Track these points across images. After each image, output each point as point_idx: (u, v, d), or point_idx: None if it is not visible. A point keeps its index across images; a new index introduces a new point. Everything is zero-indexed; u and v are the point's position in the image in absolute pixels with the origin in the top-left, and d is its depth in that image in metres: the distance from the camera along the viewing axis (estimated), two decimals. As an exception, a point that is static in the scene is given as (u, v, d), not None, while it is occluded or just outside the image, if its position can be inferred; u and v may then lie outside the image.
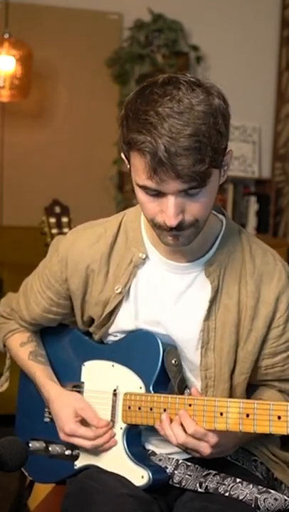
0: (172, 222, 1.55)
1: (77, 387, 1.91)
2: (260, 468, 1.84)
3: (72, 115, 5.01)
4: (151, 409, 1.73)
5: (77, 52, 4.96)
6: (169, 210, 1.55)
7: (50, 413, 1.95)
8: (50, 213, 3.11)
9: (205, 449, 1.62)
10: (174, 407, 1.69)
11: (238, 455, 1.82)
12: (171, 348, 1.77)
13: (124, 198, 5.02)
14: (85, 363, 1.91)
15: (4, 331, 2.03)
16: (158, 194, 1.56)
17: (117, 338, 1.86)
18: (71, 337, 1.98)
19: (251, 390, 1.85)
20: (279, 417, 1.54)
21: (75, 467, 1.88)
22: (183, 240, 1.63)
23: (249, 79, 5.15)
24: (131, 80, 4.93)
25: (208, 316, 1.74)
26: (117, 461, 1.79)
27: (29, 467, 1.93)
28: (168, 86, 1.53)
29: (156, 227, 1.62)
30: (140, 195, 1.60)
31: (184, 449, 1.66)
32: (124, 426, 1.80)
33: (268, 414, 1.56)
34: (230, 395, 1.78)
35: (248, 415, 1.58)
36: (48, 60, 4.86)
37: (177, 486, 1.77)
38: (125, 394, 1.79)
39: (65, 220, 3.12)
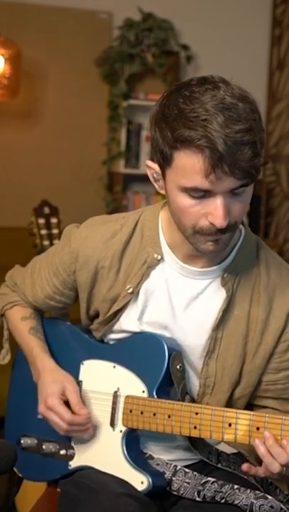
0: (223, 222, 1.53)
1: None
2: None
3: (61, 115, 4.98)
4: (154, 414, 1.70)
5: (66, 52, 4.94)
6: (218, 210, 1.53)
7: None
8: (39, 214, 3.09)
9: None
10: (179, 414, 1.67)
11: (229, 461, 1.81)
12: (177, 353, 1.74)
13: (114, 198, 5.00)
14: (84, 362, 1.88)
15: (5, 300, 2.03)
16: (204, 196, 1.53)
17: (118, 337, 1.84)
18: (71, 334, 1.96)
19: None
20: None
21: (70, 467, 1.86)
22: (221, 245, 1.62)
23: (240, 78, 5.07)
24: (121, 79, 4.91)
25: (217, 326, 1.72)
26: (116, 465, 1.77)
27: (19, 464, 1.88)
28: (206, 85, 1.52)
29: (198, 232, 1.59)
30: (182, 200, 1.56)
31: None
32: (124, 429, 1.77)
33: (280, 428, 1.54)
34: (227, 404, 1.76)
35: (258, 428, 1.56)
36: (37, 59, 4.84)
37: (175, 493, 1.76)
38: (127, 397, 1.77)
39: (54, 220, 3.10)
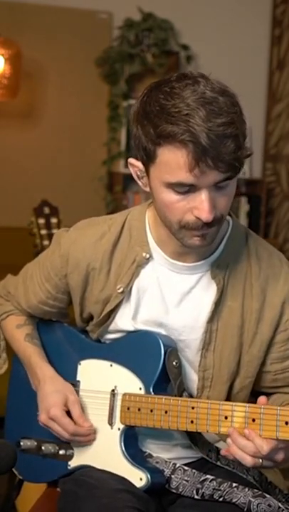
0: (209, 216, 1.54)
1: (73, 385, 1.89)
2: (252, 472, 1.81)
3: (61, 115, 4.98)
4: (151, 410, 1.71)
5: (66, 52, 4.94)
6: (204, 204, 1.54)
7: None
8: (39, 214, 3.10)
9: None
10: (175, 409, 1.68)
11: (228, 460, 1.80)
12: (173, 350, 1.75)
13: (114, 198, 5.00)
14: (82, 362, 1.89)
15: (0, 311, 2.04)
16: (188, 191, 1.54)
17: (114, 337, 1.84)
18: (67, 335, 1.97)
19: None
20: (286, 423, 1.52)
21: (69, 467, 1.87)
22: (208, 239, 1.63)
23: (240, 78, 5.11)
24: (121, 79, 4.91)
25: (211, 318, 1.73)
26: (115, 462, 1.77)
27: (19, 466, 1.92)
28: (186, 80, 1.53)
29: (184, 227, 1.59)
30: (166, 196, 1.57)
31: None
32: (122, 427, 1.78)
33: (275, 419, 1.54)
34: (228, 398, 1.77)
35: (254, 420, 1.56)
36: (37, 59, 4.83)
37: (174, 491, 1.76)
38: (124, 394, 1.78)
39: (54, 220, 3.10)
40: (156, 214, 1.70)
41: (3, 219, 4.79)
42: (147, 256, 1.75)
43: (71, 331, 1.96)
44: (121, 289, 1.77)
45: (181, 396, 1.74)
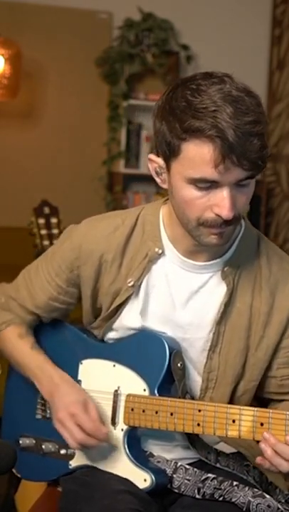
0: (230, 214, 1.54)
1: None
2: (253, 472, 1.81)
3: (61, 115, 4.98)
4: (156, 412, 1.70)
5: (66, 52, 4.94)
6: (225, 201, 1.54)
7: (42, 410, 1.94)
8: (39, 214, 3.10)
9: None
10: (182, 411, 1.67)
11: (228, 460, 1.81)
12: (177, 351, 1.75)
13: (114, 198, 5.00)
14: (83, 361, 1.87)
15: None
16: (210, 188, 1.54)
17: (118, 335, 1.83)
18: (68, 334, 1.95)
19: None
20: None
21: (70, 467, 1.86)
22: (225, 238, 1.63)
23: (240, 78, 5.09)
24: (121, 79, 4.91)
25: (220, 319, 1.72)
26: (118, 463, 1.77)
27: (18, 465, 1.85)
28: (212, 79, 1.54)
29: (202, 225, 1.59)
30: (187, 192, 1.57)
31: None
32: (125, 427, 1.77)
33: (284, 424, 1.54)
34: (231, 400, 1.77)
35: (262, 424, 1.56)
36: (37, 59, 4.84)
37: (176, 491, 1.76)
38: (128, 395, 1.77)
39: (54, 220, 3.10)
40: (171, 211, 1.71)
41: (3, 219, 4.79)
42: (160, 251, 1.75)
43: (73, 329, 1.95)
44: (131, 283, 1.76)
45: (184, 398, 1.74)
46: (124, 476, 1.74)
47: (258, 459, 1.58)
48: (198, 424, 1.65)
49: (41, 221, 3.08)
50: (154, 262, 1.76)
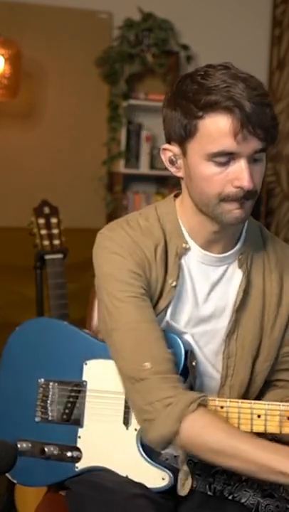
0: (250, 184, 1.62)
1: (79, 385, 1.86)
2: None
3: (61, 115, 4.98)
4: None
5: (66, 52, 4.94)
6: (244, 173, 1.61)
7: (43, 412, 1.90)
8: (39, 214, 3.10)
9: None
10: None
11: None
12: (192, 350, 1.77)
13: (114, 198, 5.00)
14: (88, 362, 1.86)
15: (180, 406, 1.58)
16: (228, 162, 1.62)
17: None
18: (71, 334, 1.93)
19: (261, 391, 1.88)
20: None
21: (76, 469, 1.83)
22: (246, 211, 1.70)
23: (240, 78, 5.12)
24: (121, 79, 4.90)
25: (239, 306, 1.78)
26: (133, 464, 1.75)
27: (14, 471, 1.81)
28: (217, 66, 1.65)
29: (223, 200, 1.65)
30: (206, 169, 1.64)
31: None
32: (138, 427, 1.75)
33: None
34: (249, 384, 1.81)
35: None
36: (37, 59, 4.83)
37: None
38: None
39: (54, 220, 3.11)
40: (185, 202, 1.76)
41: (3, 219, 4.79)
42: (187, 246, 1.78)
43: (75, 330, 1.93)
44: (174, 283, 1.76)
45: None
46: (140, 475, 1.73)
47: None
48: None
49: (41, 221, 3.09)
50: (181, 258, 1.78)
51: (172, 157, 1.71)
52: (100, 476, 1.77)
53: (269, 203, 5.38)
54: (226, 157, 1.61)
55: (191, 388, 1.74)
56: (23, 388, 1.92)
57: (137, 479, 1.74)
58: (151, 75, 5.03)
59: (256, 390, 1.84)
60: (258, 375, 1.82)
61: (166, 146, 1.72)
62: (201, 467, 1.77)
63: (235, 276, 1.80)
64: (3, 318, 4.15)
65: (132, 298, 1.69)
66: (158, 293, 1.76)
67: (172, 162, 1.72)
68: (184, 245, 1.77)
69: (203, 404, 1.58)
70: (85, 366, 1.86)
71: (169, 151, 1.72)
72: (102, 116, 4.98)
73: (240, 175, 1.62)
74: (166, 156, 1.73)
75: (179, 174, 1.73)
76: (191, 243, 1.78)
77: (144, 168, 5.05)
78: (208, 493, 1.73)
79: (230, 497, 1.69)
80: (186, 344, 1.76)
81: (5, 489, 3.14)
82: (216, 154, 1.61)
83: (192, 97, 1.60)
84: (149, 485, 1.72)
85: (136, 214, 1.83)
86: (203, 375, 1.81)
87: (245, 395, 1.81)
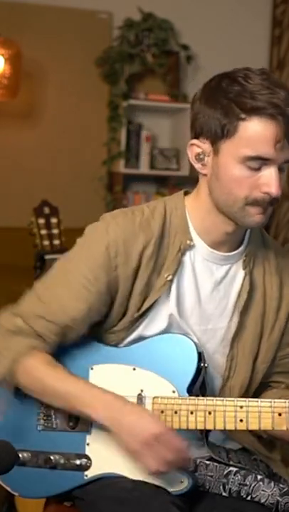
0: (278, 191, 1.64)
1: None
2: (261, 466, 1.85)
3: (61, 115, 4.98)
4: (192, 412, 1.70)
5: (66, 52, 4.93)
6: (274, 180, 1.63)
7: (45, 420, 1.84)
8: (39, 214, 3.10)
9: None
10: (221, 409, 1.70)
11: (238, 457, 1.84)
12: (202, 352, 1.77)
13: (114, 198, 5.00)
14: (94, 367, 1.81)
15: (14, 350, 1.76)
16: (259, 168, 1.64)
17: (138, 335, 1.80)
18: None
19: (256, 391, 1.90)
20: None
21: (86, 477, 1.78)
22: (267, 217, 1.71)
23: (240, 78, 5.12)
24: (121, 79, 4.90)
25: (244, 309, 1.80)
26: None
27: (12, 483, 1.81)
28: (256, 70, 1.66)
29: (250, 204, 1.67)
30: (238, 171, 1.65)
31: None
32: None
33: None
34: (249, 385, 1.84)
35: None
36: (37, 59, 4.83)
37: (201, 489, 1.77)
38: (155, 398, 1.74)
39: (54, 220, 3.11)
40: (201, 201, 1.76)
41: (3, 219, 4.79)
42: (192, 243, 1.78)
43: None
44: (170, 277, 1.76)
45: (204, 395, 1.76)
46: (159, 480, 1.70)
47: None
48: (241, 420, 1.68)
49: (41, 221, 3.09)
50: (185, 254, 1.78)
51: (201, 154, 1.71)
52: (117, 485, 1.72)
53: (269, 203, 5.38)
54: (260, 162, 1.63)
55: (204, 390, 1.76)
56: (25, 397, 1.84)
57: (155, 483, 1.71)
58: (151, 75, 5.03)
59: (253, 391, 1.87)
60: (256, 376, 1.85)
61: (196, 141, 1.71)
62: (213, 468, 1.77)
63: (238, 276, 1.82)
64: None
65: (82, 281, 1.75)
66: (148, 288, 1.76)
67: (199, 159, 1.72)
68: (188, 242, 1.77)
69: (36, 349, 1.75)
70: (91, 371, 1.81)
71: (198, 147, 1.71)
72: (102, 116, 4.98)
73: (270, 181, 1.63)
74: (193, 151, 1.72)
75: (204, 171, 1.72)
76: (198, 240, 1.78)
77: (144, 168, 5.05)
78: (224, 494, 1.73)
79: (248, 497, 1.69)
80: (198, 345, 1.77)
81: (5, 497, 3.13)
82: (251, 158, 1.63)
83: (234, 98, 1.61)
84: (168, 488, 1.71)
85: (144, 205, 1.82)
86: (211, 376, 1.82)
87: (244, 396, 1.81)
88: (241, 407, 1.68)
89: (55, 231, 3.12)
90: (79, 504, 1.80)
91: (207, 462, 1.78)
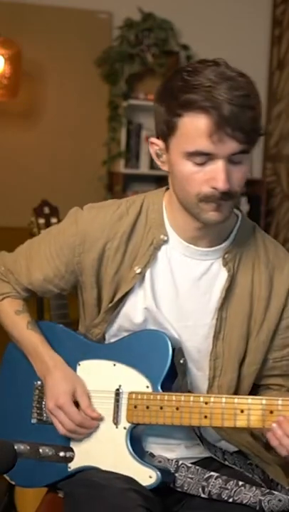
0: (225, 185, 1.60)
1: None
2: (257, 471, 1.84)
3: (61, 115, 4.98)
4: (161, 408, 1.72)
5: (66, 52, 4.93)
6: (220, 173, 1.60)
7: (38, 413, 1.94)
8: (39, 214, 3.10)
9: None
10: (187, 405, 1.70)
11: (234, 459, 1.83)
12: (180, 348, 1.77)
13: (114, 198, 4.98)
14: (81, 363, 1.88)
15: None
16: (206, 162, 1.60)
17: (120, 331, 1.85)
18: (64, 336, 1.95)
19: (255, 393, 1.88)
20: None
21: (69, 469, 1.85)
22: (224, 212, 1.67)
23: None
24: (121, 79, 4.90)
25: (222, 305, 1.77)
26: (121, 462, 1.77)
27: (12, 472, 1.83)
28: (207, 63, 1.62)
29: (202, 201, 1.64)
30: (185, 167, 1.63)
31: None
32: (128, 425, 1.78)
33: None
34: (237, 386, 1.80)
35: (271, 412, 1.61)
36: (37, 59, 4.83)
37: (179, 489, 1.77)
38: (130, 393, 1.78)
39: (54, 220, 3.11)
40: (173, 197, 1.76)
41: (3, 219, 4.79)
42: (165, 238, 1.79)
43: (69, 332, 1.95)
44: (139, 270, 1.79)
45: (190, 392, 1.76)
46: (128, 474, 1.75)
47: (269, 434, 1.63)
48: (206, 417, 1.68)
49: (41, 221, 3.09)
50: (159, 249, 1.79)
51: (158, 151, 1.72)
52: (90, 474, 1.79)
53: (269, 203, 5.38)
54: (204, 157, 1.60)
55: (182, 387, 1.76)
56: (21, 390, 1.95)
57: (129, 475, 1.76)
58: (151, 75, 5.03)
59: (244, 393, 1.83)
60: (245, 378, 1.82)
61: (153, 139, 1.73)
62: (194, 471, 1.78)
63: (221, 274, 1.79)
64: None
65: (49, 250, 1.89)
66: (118, 280, 1.81)
67: (158, 156, 1.73)
68: (161, 236, 1.79)
69: (10, 295, 1.97)
70: (78, 367, 1.88)
71: (156, 145, 1.72)
72: (102, 116, 4.98)
73: (216, 175, 1.60)
74: (153, 149, 1.74)
75: (165, 168, 1.73)
76: (173, 235, 1.79)
77: (144, 168, 5.05)
78: (202, 495, 1.73)
79: (230, 500, 1.69)
80: (174, 341, 1.77)
81: (5, 491, 3.13)
82: (192, 154, 1.61)
83: (175, 94, 1.61)
84: (139, 482, 1.74)
85: (126, 199, 1.89)
86: (192, 374, 1.82)
87: None
88: (206, 403, 1.68)
89: (55, 231, 3.11)
90: (64, 495, 1.84)
91: (189, 465, 1.79)
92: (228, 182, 1.60)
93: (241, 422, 1.64)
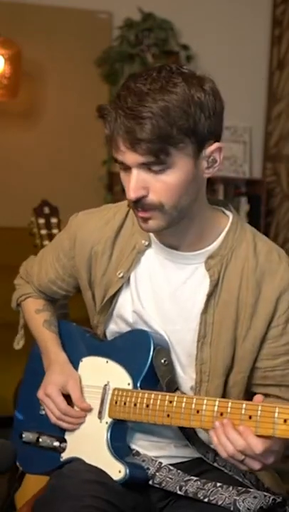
0: (132, 194, 1.59)
1: None
2: (249, 476, 1.81)
3: (61, 115, 4.98)
4: (135, 404, 1.76)
5: (66, 52, 4.94)
6: (130, 182, 1.59)
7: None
8: (39, 214, 3.09)
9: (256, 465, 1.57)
10: (155, 403, 1.72)
11: (225, 461, 1.81)
12: (163, 348, 1.78)
13: (114, 198, 5.00)
14: (83, 359, 1.95)
15: (20, 292, 2.12)
16: (125, 169, 1.61)
17: (118, 328, 1.89)
18: (73, 333, 2.04)
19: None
20: (250, 417, 1.54)
21: (61, 459, 1.92)
22: (152, 224, 1.65)
23: (240, 78, 5.12)
24: (121, 79, 4.89)
25: (205, 310, 1.74)
26: (98, 455, 1.82)
27: (20, 458, 1.96)
28: (154, 70, 1.60)
29: (132, 208, 1.67)
30: (120, 174, 1.66)
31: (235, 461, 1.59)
32: (109, 420, 1.83)
33: (240, 413, 1.56)
34: (224, 392, 1.78)
35: (221, 414, 1.59)
36: (37, 59, 4.83)
37: (157, 486, 1.80)
38: (114, 389, 1.82)
39: (54, 220, 3.10)
40: None
41: (3, 219, 4.79)
42: (146, 243, 1.80)
43: (76, 329, 2.05)
44: (121, 274, 1.82)
45: (174, 392, 1.77)
46: (102, 466, 1.79)
47: (210, 432, 1.59)
48: (168, 415, 1.69)
49: (41, 221, 3.08)
50: (143, 253, 1.81)
51: None
52: (69, 465, 1.85)
53: (269, 203, 5.38)
54: (122, 165, 1.62)
55: (166, 387, 1.76)
56: (36, 383, 1.99)
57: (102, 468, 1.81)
58: (151, 75, 5.02)
59: (237, 399, 1.78)
60: (233, 387, 1.78)
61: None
62: (175, 473, 1.80)
63: (206, 279, 1.75)
64: (3, 319, 4.15)
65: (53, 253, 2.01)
66: (106, 283, 1.86)
67: None
68: (143, 241, 1.80)
69: (32, 295, 2.10)
70: (81, 363, 1.95)
71: None
72: (102, 117, 4.97)
73: (128, 184, 1.61)
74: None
75: None
76: (154, 240, 1.80)
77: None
78: (178, 492, 1.75)
79: (205, 499, 1.69)
80: (162, 342, 1.79)
81: (5, 489, 3.13)
82: (114, 161, 1.64)
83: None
84: (110, 475, 1.78)
85: (116, 204, 1.93)
86: (178, 376, 1.82)
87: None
88: (170, 402, 1.69)
89: (55, 231, 3.10)
90: None
91: (171, 468, 1.81)
92: (136, 191, 1.59)
93: (195, 423, 1.64)
